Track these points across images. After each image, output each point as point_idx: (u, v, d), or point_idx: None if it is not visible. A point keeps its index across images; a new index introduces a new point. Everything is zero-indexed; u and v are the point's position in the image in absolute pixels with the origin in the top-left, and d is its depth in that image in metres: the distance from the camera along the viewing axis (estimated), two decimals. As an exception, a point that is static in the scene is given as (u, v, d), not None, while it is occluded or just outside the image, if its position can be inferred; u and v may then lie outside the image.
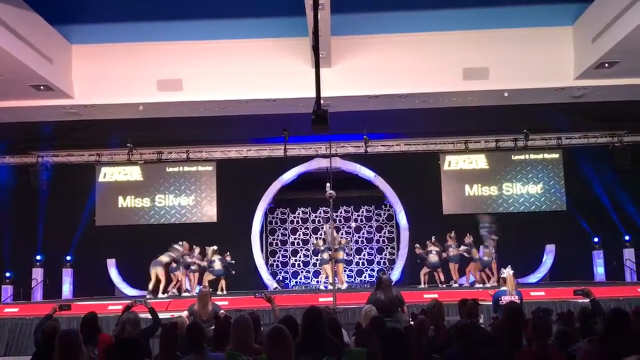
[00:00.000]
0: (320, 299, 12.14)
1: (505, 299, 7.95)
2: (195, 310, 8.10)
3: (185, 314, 8.24)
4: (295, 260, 19.00)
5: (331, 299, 10.83)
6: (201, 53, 13.26)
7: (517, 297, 8.03)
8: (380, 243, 18.91)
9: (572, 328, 5.65)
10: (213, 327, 7.27)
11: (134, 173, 17.46)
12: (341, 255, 15.62)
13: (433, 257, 15.32)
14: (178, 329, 5.18)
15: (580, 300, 9.94)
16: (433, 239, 15.55)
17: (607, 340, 4.01)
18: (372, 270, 18.70)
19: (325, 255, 15.41)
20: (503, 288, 8.28)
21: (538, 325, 4.74)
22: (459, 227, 15.85)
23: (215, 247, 15.62)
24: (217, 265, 15.41)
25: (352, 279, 18.30)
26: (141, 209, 17.40)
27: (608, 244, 16.47)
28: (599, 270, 16.39)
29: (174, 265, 15.27)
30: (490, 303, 8.59)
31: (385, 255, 18.74)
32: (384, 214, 18.97)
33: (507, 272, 8.43)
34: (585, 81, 13.22)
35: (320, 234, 18.06)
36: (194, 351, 4.67)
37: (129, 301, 7.16)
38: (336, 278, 14.64)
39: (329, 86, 10.72)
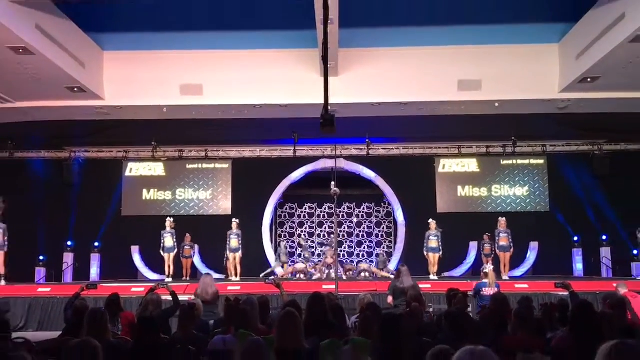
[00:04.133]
0: (324, 287, 12.15)
1: (486, 290, 8.45)
2: (198, 293, 8.05)
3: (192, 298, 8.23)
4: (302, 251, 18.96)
5: (334, 286, 10.87)
6: (221, 61, 13.33)
7: (496, 289, 8.42)
8: (379, 237, 18.86)
9: (552, 318, 5.65)
10: (213, 310, 7.38)
11: (157, 169, 17.50)
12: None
13: (432, 242, 14.65)
14: (196, 309, 5.21)
15: (560, 293, 9.90)
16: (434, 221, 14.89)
17: (575, 328, 4.19)
18: (371, 262, 18.65)
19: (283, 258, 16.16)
20: (484, 280, 8.74)
21: (522, 314, 4.78)
22: (451, 224, 15.81)
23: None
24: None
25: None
26: (163, 201, 17.43)
27: (587, 243, 16.36)
28: (578, 266, 16.31)
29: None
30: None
31: (384, 248, 18.65)
32: (383, 211, 18.94)
33: (489, 267, 9.08)
34: (569, 94, 13.23)
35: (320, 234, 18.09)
36: None
37: (153, 284, 7.18)
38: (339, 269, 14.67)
39: (336, 94, 10.72)
